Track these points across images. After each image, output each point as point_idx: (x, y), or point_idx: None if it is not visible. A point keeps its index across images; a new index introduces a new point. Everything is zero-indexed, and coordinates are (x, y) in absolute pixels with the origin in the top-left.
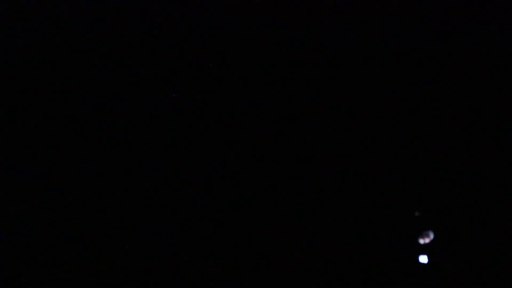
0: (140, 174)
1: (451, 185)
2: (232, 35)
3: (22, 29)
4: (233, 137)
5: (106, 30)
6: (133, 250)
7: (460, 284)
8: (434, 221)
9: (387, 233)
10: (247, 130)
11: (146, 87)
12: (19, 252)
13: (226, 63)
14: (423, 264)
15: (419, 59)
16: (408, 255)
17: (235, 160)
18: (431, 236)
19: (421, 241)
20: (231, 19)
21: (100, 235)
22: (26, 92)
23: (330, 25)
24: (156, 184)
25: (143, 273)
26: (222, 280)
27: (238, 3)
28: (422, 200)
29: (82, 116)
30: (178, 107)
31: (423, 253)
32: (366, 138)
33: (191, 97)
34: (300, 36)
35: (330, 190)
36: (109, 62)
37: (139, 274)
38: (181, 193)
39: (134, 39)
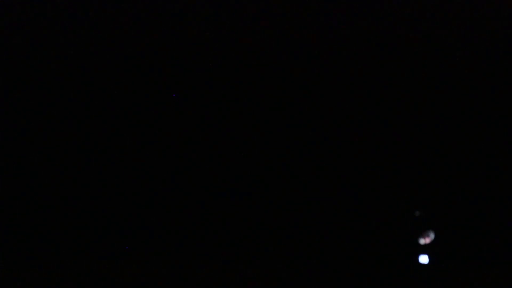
0: (140, 174)
1: (450, 185)
2: (231, 35)
3: (22, 29)
4: (232, 137)
5: (106, 30)
6: (133, 250)
7: (460, 284)
8: (434, 221)
9: (387, 233)
10: (246, 130)
11: (145, 87)
12: (19, 252)
13: (226, 63)
14: (424, 264)
15: (419, 59)
16: (408, 255)
17: (235, 160)
18: (432, 236)
19: (422, 241)
20: (231, 19)
21: (100, 235)
22: (25, 92)
23: (329, 25)
24: (156, 184)
25: (143, 273)
26: (222, 280)
27: (238, 3)
28: (422, 200)
29: (82, 116)
30: (178, 107)
31: (424, 253)
32: (366, 138)
33: (190, 97)
34: (299, 36)
35: (330, 190)
36: (108, 62)
37: (139, 274)
38: (181, 193)
39: (134, 39)
